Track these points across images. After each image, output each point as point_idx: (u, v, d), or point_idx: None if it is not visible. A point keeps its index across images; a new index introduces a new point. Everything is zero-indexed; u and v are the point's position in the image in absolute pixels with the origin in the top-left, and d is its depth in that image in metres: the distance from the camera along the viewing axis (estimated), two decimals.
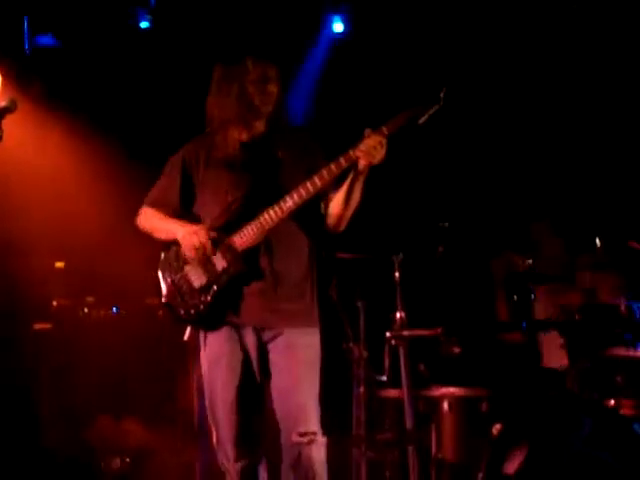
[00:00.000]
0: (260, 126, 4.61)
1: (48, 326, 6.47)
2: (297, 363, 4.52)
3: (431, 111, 4.41)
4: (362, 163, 4.41)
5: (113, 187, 7.06)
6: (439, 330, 5.78)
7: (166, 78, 7.34)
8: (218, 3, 7.32)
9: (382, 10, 7.31)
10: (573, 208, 6.90)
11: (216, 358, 4.53)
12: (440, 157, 7.01)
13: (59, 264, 6.77)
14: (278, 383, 4.54)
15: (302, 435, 4.51)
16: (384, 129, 4.40)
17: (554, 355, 5.96)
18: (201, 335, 4.59)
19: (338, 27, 7.67)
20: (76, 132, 7.13)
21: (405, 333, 5.79)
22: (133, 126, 7.38)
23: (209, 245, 4.45)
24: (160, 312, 6.10)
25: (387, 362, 6.04)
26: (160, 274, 4.60)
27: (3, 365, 6.20)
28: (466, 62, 7.15)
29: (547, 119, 7.25)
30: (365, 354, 5.93)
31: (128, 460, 5.92)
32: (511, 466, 5.22)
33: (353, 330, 5.88)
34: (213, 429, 4.58)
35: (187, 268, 4.56)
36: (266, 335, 4.54)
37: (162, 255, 4.63)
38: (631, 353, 5.52)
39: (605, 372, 5.52)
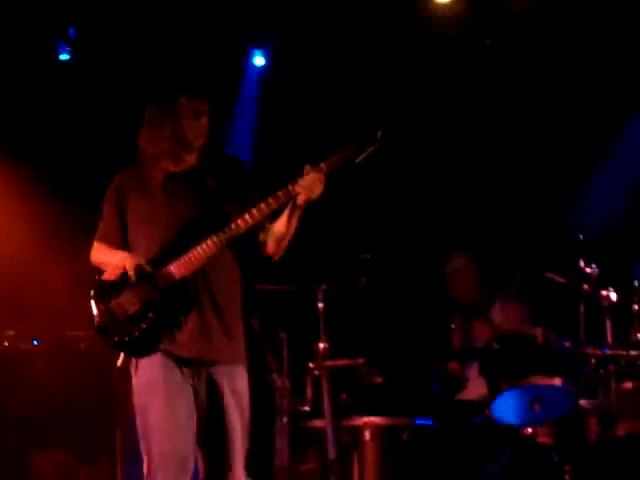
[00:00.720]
0: (191, 159, 4.66)
1: None
2: (227, 401, 4.51)
3: (369, 150, 4.52)
4: (301, 198, 4.52)
5: (30, 213, 7.01)
6: (361, 360, 5.86)
7: (88, 109, 7.34)
8: (139, 36, 7.34)
9: (305, 43, 7.40)
10: (492, 240, 7.05)
11: (149, 385, 4.51)
12: (363, 188, 7.10)
13: None
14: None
15: (228, 477, 4.50)
16: (323, 166, 4.51)
17: (474, 385, 6.08)
18: (133, 362, 4.58)
19: (259, 61, 7.74)
20: None
21: (328, 363, 5.86)
22: (54, 151, 7.35)
23: (132, 272, 4.48)
24: (82, 345, 6.07)
25: (310, 392, 6.11)
26: (93, 300, 4.60)
27: None
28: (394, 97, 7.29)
29: (469, 150, 7.41)
30: (288, 385, 5.98)
31: None
32: None
33: (276, 361, 5.92)
34: (145, 458, 4.54)
35: (122, 295, 4.56)
36: (203, 368, 4.55)
37: (96, 282, 4.64)
38: (550, 382, 5.66)
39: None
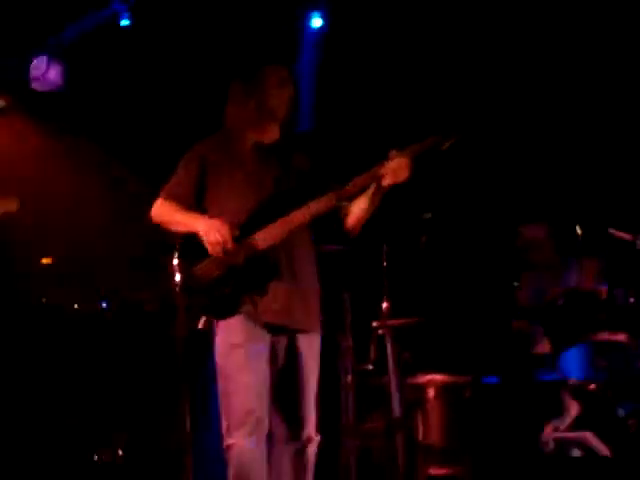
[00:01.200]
0: (275, 131, 4.76)
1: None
2: (306, 367, 4.68)
3: (454, 140, 4.58)
4: (386, 182, 4.60)
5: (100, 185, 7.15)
6: (424, 319, 5.90)
7: (149, 77, 7.40)
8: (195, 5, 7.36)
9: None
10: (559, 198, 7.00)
11: (231, 347, 4.61)
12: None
13: (46, 260, 6.80)
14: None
15: (303, 436, 4.69)
16: (409, 152, 4.60)
17: (540, 342, 6.09)
18: (215, 324, 4.68)
19: (317, 22, 7.71)
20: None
21: (391, 322, 5.91)
22: (114, 123, 7.43)
23: (230, 241, 4.58)
24: (149, 306, 6.15)
25: (373, 351, 6.16)
26: (176, 263, 4.68)
27: None
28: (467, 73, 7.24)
29: (536, 117, 7.34)
30: (352, 344, 6.04)
31: (121, 452, 5.97)
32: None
33: (339, 320, 5.98)
34: (223, 417, 4.63)
35: (207, 259, 4.64)
36: (282, 335, 4.67)
37: (178, 246, 4.71)
38: (615, 337, 5.65)
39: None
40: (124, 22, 7.34)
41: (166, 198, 4.78)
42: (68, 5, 7.08)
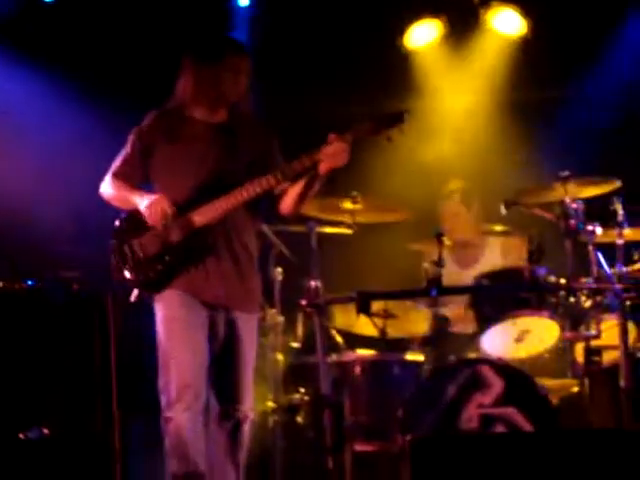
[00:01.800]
0: (223, 113, 4.79)
1: None
2: (244, 345, 4.79)
3: (395, 128, 4.66)
4: (325, 166, 4.68)
5: None
6: (351, 297, 5.96)
7: None
8: None
9: None
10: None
11: (169, 321, 4.69)
12: None
13: None
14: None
15: (239, 414, 4.81)
16: (348, 137, 4.67)
17: (464, 320, 6.21)
18: (154, 298, 4.73)
19: (243, 1, 7.67)
20: None
21: (319, 300, 5.96)
22: None
23: (170, 215, 4.61)
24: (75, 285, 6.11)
25: (301, 329, 6.24)
26: (115, 238, 4.78)
27: None
28: None
29: None
30: (281, 321, 6.10)
31: (47, 431, 5.93)
32: (425, 426, 5.46)
33: (267, 298, 6.02)
34: (164, 391, 4.68)
35: (144, 235, 4.72)
36: (221, 311, 4.73)
37: (117, 222, 4.77)
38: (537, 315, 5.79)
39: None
40: None
41: (114, 175, 4.86)
42: None
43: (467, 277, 6.26)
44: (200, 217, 4.69)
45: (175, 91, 4.85)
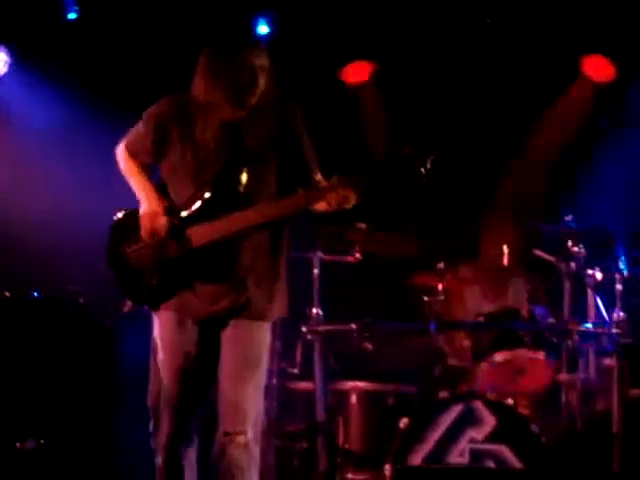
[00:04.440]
0: (241, 114, 4.49)
1: None
2: (241, 358, 4.52)
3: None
4: (333, 207, 4.44)
5: None
6: (353, 326, 6.02)
7: None
8: None
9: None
10: None
11: (160, 340, 4.51)
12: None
13: None
14: (220, 375, 4.51)
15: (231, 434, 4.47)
16: (355, 186, 4.39)
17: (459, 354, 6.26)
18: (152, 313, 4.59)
19: (263, 29, 7.73)
20: None
21: (320, 328, 6.04)
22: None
23: (162, 234, 4.43)
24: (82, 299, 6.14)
25: (299, 355, 6.27)
26: (111, 240, 4.60)
27: None
28: None
29: None
30: (279, 347, 6.14)
31: (43, 442, 5.97)
32: (416, 458, 5.50)
33: None
34: (151, 405, 4.60)
35: (140, 244, 4.53)
36: (214, 327, 4.51)
37: (117, 220, 4.65)
38: (534, 355, 5.84)
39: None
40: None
41: (129, 153, 4.65)
42: None
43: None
44: (199, 238, 4.45)
45: (191, 88, 4.55)
